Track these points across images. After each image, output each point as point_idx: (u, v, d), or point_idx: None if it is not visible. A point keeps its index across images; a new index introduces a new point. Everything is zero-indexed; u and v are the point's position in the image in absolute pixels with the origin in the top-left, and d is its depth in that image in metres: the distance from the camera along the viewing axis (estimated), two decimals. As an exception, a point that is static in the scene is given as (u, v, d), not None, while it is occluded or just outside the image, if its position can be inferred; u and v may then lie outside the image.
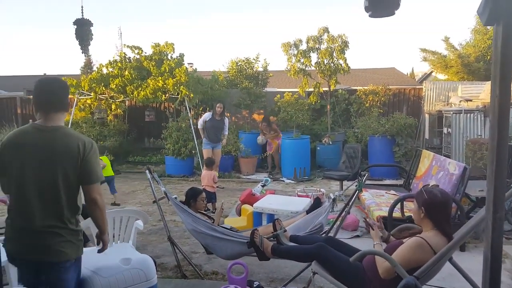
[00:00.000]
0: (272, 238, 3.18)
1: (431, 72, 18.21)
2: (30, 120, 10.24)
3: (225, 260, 3.70)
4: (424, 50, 14.55)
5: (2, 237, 3.13)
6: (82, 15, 2.92)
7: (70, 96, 10.62)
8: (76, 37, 2.93)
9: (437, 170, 4.89)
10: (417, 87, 11.08)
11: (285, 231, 3.23)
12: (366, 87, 10.27)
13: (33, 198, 2.08)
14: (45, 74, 25.62)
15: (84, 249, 3.65)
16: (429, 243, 2.26)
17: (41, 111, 2.16)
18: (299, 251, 2.89)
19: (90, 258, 2.78)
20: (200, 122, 8.12)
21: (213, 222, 4.00)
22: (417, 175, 5.61)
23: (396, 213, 4.25)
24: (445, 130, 8.61)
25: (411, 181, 5.84)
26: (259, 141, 9.40)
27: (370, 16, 2.31)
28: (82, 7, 2.90)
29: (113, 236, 3.37)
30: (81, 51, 2.94)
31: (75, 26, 2.92)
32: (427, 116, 9.80)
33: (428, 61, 14.99)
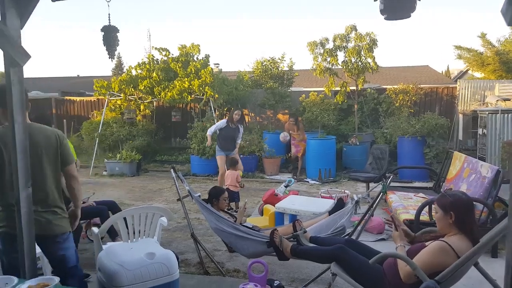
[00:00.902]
0: (292, 239, 3.15)
1: (468, 70, 17.55)
2: (65, 120, 10.54)
3: (246, 258, 3.72)
4: (458, 47, 14.02)
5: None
6: (109, 22, 3.03)
7: (101, 97, 11.00)
8: (103, 43, 3.05)
9: (468, 173, 4.70)
10: (451, 86, 10.71)
11: (305, 232, 3.19)
12: (396, 86, 10.02)
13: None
14: (78, 75, 26.63)
15: (112, 243, 3.77)
16: (453, 247, 2.17)
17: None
18: (318, 252, 2.86)
19: (117, 252, 2.87)
20: (212, 129, 7.37)
21: (235, 221, 4.02)
22: (448, 177, 5.41)
23: (424, 217, 4.12)
24: (480, 131, 8.27)
25: (441, 183, 5.65)
26: (282, 138, 8.90)
27: (385, 19, 2.29)
28: (109, 14, 3.03)
29: (139, 232, 3.44)
30: (108, 56, 3.05)
31: (103, 33, 3.03)
32: (461, 116, 9.44)
33: (463, 59, 14.42)
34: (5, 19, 2.30)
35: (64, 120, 12.02)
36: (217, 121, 9.92)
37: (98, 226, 3.97)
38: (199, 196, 4.31)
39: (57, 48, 65.13)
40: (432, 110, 9.55)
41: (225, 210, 4.43)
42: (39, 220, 2.47)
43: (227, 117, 7.67)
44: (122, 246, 3.07)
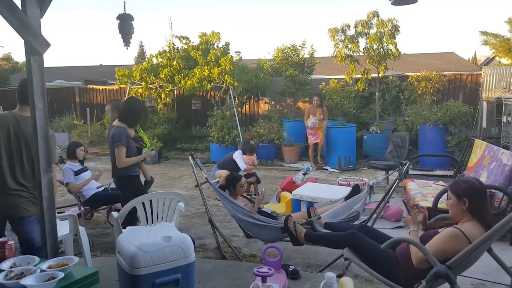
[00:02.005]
0: (306, 225, 3.17)
1: (494, 56, 16.93)
2: (88, 109, 10.82)
3: (263, 244, 3.78)
4: (484, 33, 13.53)
5: (62, 214, 3.44)
6: (125, 10, 3.06)
7: (123, 86, 11.20)
8: (119, 31, 3.09)
9: (489, 161, 4.58)
10: (475, 72, 10.35)
11: (319, 218, 3.21)
12: (419, 73, 9.77)
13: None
14: (101, 64, 27.12)
15: (131, 227, 3.88)
16: (465, 234, 2.15)
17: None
18: (332, 238, 2.87)
19: (136, 235, 2.96)
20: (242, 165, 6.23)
21: (253, 206, 4.07)
22: (468, 165, 5.30)
23: (442, 204, 4.05)
24: (504, 118, 8.00)
25: (462, 171, 5.52)
26: (311, 124, 8.30)
27: (392, 4, 2.26)
28: (124, 2, 3.05)
29: (157, 216, 3.53)
30: (123, 43, 3.10)
31: (118, 21, 3.07)
32: (485, 103, 9.14)
33: (489, 45, 13.92)
34: (25, 9, 2.38)
35: (87, 109, 12.32)
36: (237, 109, 9.95)
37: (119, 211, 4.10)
38: (217, 182, 4.39)
39: (81, 37, 66.44)
40: (456, 98, 9.28)
41: (244, 195, 4.49)
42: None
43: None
44: (140, 229, 3.15)
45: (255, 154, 6.48)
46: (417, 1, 2.21)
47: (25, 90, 2.49)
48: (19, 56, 38.11)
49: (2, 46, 37.87)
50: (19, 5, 2.35)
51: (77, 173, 4.76)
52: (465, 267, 2.17)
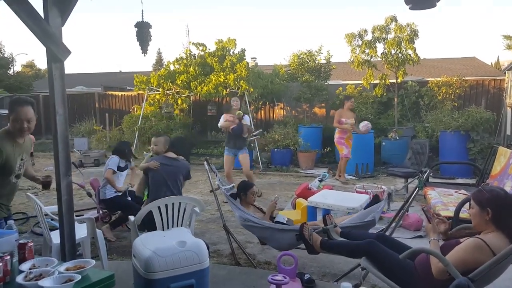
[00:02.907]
0: (322, 233, 3.13)
1: (518, 61, 16.50)
2: (107, 114, 11.03)
3: (278, 251, 3.74)
4: (508, 37, 13.23)
5: (80, 217, 3.50)
6: (142, 18, 3.12)
7: (141, 92, 11.37)
8: (137, 38, 3.14)
9: (513, 169, 4.45)
10: (498, 78, 10.10)
11: (335, 226, 3.16)
12: (439, 79, 9.60)
13: None
14: (120, 71, 27.65)
15: (147, 232, 3.91)
16: (489, 245, 2.07)
17: None
18: (349, 246, 2.82)
19: (151, 240, 2.99)
20: (221, 121, 6.87)
21: (264, 215, 4.05)
22: (491, 174, 5.15)
23: (464, 214, 3.94)
24: (529, 125, 7.78)
25: (485, 180, 5.37)
26: (365, 128, 7.70)
27: (410, 8, 2.25)
28: (142, 11, 3.11)
29: (172, 221, 3.55)
30: (141, 51, 3.15)
31: (136, 29, 3.12)
32: (509, 109, 8.89)
33: (512, 49, 13.61)
34: (47, 18, 2.44)
35: (106, 114, 12.54)
36: (253, 115, 9.99)
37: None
38: (233, 186, 4.38)
39: (101, 44, 67.93)
40: (478, 104, 9.08)
41: (254, 204, 4.46)
42: None
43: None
44: (156, 234, 3.18)
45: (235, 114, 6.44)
46: (435, 6, 2.17)
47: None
48: (42, 63, 39.21)
49: (26, 54, 39.13)
50: (41, 14, 2.42)
51: (120, 168, 4.85)
52: (489, 280, 2.09)
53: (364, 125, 7.68)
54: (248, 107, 9.59)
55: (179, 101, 10.62)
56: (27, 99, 2.69)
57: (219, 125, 6.68)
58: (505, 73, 9.73)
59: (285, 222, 4.01)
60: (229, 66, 9.54)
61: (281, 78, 10.64)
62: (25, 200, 5.74)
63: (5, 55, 24.12)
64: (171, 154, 3.99)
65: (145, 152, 9.57)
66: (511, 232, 2.12)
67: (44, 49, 2.50)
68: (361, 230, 3.32)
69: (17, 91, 17.68)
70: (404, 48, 8.87)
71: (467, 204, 3.91)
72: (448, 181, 7.15)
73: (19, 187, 2.97)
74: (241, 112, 6.44)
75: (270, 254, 4.11)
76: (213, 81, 9.43)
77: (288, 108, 11.06)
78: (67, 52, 2.54)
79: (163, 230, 3.35)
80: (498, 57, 26.34)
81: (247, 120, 6.55)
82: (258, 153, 9.12)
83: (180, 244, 2.88)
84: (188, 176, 4.07)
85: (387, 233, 3.34)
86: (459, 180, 7.34)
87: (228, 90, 9.56)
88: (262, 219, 3.86)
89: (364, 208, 3.87)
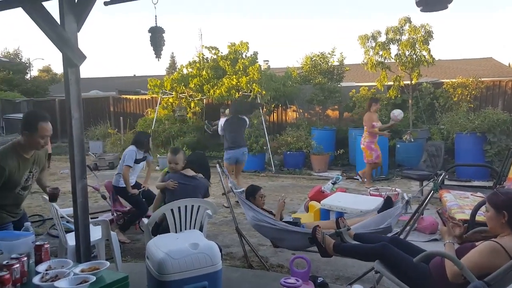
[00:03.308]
0: (335, 236, 3.11)
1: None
2: (121, 118, 11.18)
3: (290, 250, 3.73)
4: (525, 37, 12.94)
5: (95, 219, 3.55)
6: (156, 23, 3.15)
7: (154, 96, 11.50)
8: (150, 43, 3.17)
9: (531, 171, 4.34)
10: (515, 78, 9.91)
11: (348, 229, 3.13)
12: (454, 80, 9.46)
13: None
14: (134, 75, 28.03)
15: (160, 235, 3.94)
16: (505, 248, 2.03)
17: None
18: (362, 250, 2.79)
19: (164, 242, 3.01)
20: (219, 129, 6.96)
21: (274, 217, 4.04)
22: (509, 176, 5.04)
23: (480, 217, 3.86)
24: (548, 126, 7.58)
25: (502, 183, 5.25)
26: (398, 116, 7.39)
27: (421, 10, 2.27)
28: (155, 16, 3.14)
29: (185, 223, 3.57)
30: (155, 55, 3.18)
31: (150, 34, 3.17)
32: (527, 111, 8.70)
33: (531, 50, 13.31)
34: (63, 24, 2.49)
35: (121, 118, 12.70)
36: (265, 117, 9.98)
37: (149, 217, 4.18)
38: (243, 191, 4.39)
39: (115, 49, 68.97)
40: (494, 105, 8.89)
41: (263, 208, 4.45)
42: None
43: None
44: (169, 236, 3.20)
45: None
46: (447, 7, 2.16)
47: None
48: (58, 67, 39.95)
49: (42, 59, 39.91)
50: (57, 20, 2.47)
51: (137, 161, 4.91)
52: (505, 284, 2.05)
53: (399, 113, 7.37)
54: (261, 109, 9.60)
55: (192, 104, 10.71)
56: (47, 115, 2.73)
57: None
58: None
59: (292, 221, 4.01)
60: (241, 69, 9.57)
61: (293, 80, 10.63)
62: (41, 202, 5.85)
63: (22, 60, 24.65)
64: (190, 172, 3.87)
65: (158, 155, 9.68)
66: None
67: (60, 54, 2.55)
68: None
69: (34, 95, 18.05)
70: (419, 49, 8.76)
71: (484, 207, 3.84)
72: (464, 183, 7.03)
73: (27, 195, 3.00)
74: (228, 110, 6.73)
75: (283, 257, 4.10)
76: (226, 84, 9.47)
77: (301, 110, 11.03)
78: (83, 57, 2.59)
79: (176, 232, 3.36)
80: (516, 57, 25.82)
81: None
82: (271, 155, 9.12)
83: (193, 246, 2.90)
84: (206, 194, 3.98)
85: (402, 236, 3.30)
86: (476, 183, 7.20)
87: (240, 93, 9.59)
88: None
89: (378, 212, 3.82)
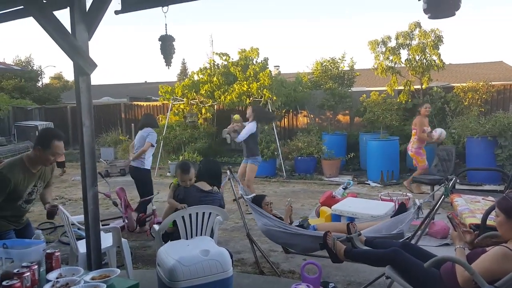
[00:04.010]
0: (346, 241, 3.09)
1: (549, 64, 15.91)
2: (133, 124, 11.31)
3: (301, 256, 3.71)
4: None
5: (106, 226, 3.57)
6: (166, 32, 3.18)
7: (165, 102, 11.59)
8: (161, 51, 3.20)
9: (545, 175, 4.26)
10: (527, 81, 9.77)
11: (359, 234, 3.12)
12: (464, 84, 9.37)
13: None
14: (146, 82, 28.33)
15: (171, 242, 3.96)
16: None
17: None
18: (373, 255, 2.78)
19: (175, 249, 3.02)
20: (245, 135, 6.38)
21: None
22: (521, 180, 4.95)
23: (491, 221, 3.80)
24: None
25: (514, 187, 5.17)
26: (437, 136, 6.97)
27: (429, 18, 2.30)
28: (166, 24, 3.17)
29: (196, 230, 3.58)
30: (165, 63, 3.21)
31: (160, 42, 3.20)
32: (539, 114, 8.56)
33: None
34: (74, 33, 2.54)
35: (132, 124, 12.83)
36: (276, 123, 9.97)
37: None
38: (253, 196, 4.39)
39: (127, 55, 69.91)
40: (506, 109, 8.77)
41: (273, 214, 4.45)
42: None
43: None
44: (180, 243, 3.21)
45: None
46: (454, 14, 2.18)
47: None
48: (69, 74, 40.52)
49: (54, 66, 40.37)
50: (68, 29, 2.52)
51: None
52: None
53: (440, 132, 6.98)
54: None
55: (203, 111, 10.77)
56: (63, 134, 2.77)
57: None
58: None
59: (300, 222, 4.00)
60: (252, 75, 9.61)
61: (304, 86, 10.63)
62: (54, 209, 5.92)
63: (34, 68, 25.05)
64: (206, 186, 3.68)
65: (169, 161, 9.74)
66: None
67: (71, 61, 2.60)
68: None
69: (46, 103, 18.27)
70: (429, 54, 8.73)
71: (494, 211, 3.78)
72: (475, 187, 6.95)
73: (29, 210, 3.03)
74: (237, 115, 6.61)
75: (294, 262, 4.09)
76: (237, 90, 9.52)
77: (312, 115, 11.01)
78: (94, 66, 2.64)
79: (186, 239, 3.38)
80: (528, 60, 25.44)
81: (248, 127, 6.31)
82: (282, 161, 9.11)
83: (204, 253, 2.91)
84: (222, 207, 3.78)
85: (413, 241, 3.27)
86: (487, 187, 7.12)
87: (251, 98, 9.62)
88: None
89: (391, 216, 3.79)
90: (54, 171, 3.12)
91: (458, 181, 6.07)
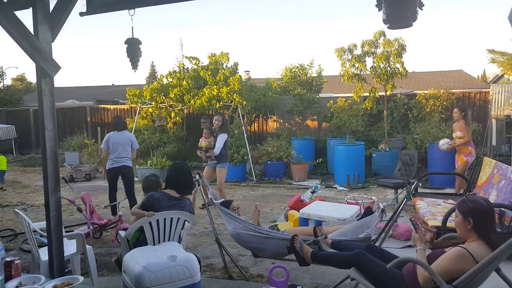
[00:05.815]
0: (313, 244, 3.15)
1: (503, 74, 16.89)
2: (99, 128, 11.04)
3: (269, 260, 3.74)
4: (492, 51, 13.53)
5: (70, 233, 3.47)
6: (132, 35, 3.15)
7: (133, 105, 11.39)
8: (127, 54, 3.17)
9: (498, 179, 4.53)
10: (484, 90, 10.33)
11: (326, 237, 3.19)
12: (426, 91, 9.79)
13: None
14: (113, 84, 27.64)
15: (137, 248, 3.89)
16: (472, 253, 2.13)
17: None
18: (338, 258, 2.85)
19: (141, 255, 2.97)
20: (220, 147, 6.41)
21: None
22: (478, 183, 5.22)
23: (451, 223, 3.98)
24: (514, 136, 7.92)
25: (472, 190, 5.45)
26: (445, 146, 6.72)
27: (388, 27, 2.40)
28: (132, 27, 3.15)
29: (164, 235, 3.53)
30: (131, 67, 3.17)
31: (126, 45, 3.17)
32: (494, 121, 9.08)
33: (497, 63, 13.91)
34: (37, 33, 2.47)
35: (98, 128, 12.50)
36: (246, 128, 10.00)
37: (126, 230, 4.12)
38: (222, 201, 4.39)
39: (93, 58, 68.06)
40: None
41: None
42: None
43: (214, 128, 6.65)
44: (146, 249, 3.17)
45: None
46: (412, 25, 2.32)
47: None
48: (33, 76, 39.02)
49: (16, 67, 38.88)
50: (31, 29, 2.44)
51: None
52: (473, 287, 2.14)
53: (445, 142, 6.73)
54: (242, 120, 9.64)
55: (173, 114, 10.63)
56: None
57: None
58: (490, 85, 9.95)
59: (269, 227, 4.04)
60: (222, 80, 9.61)
61: (274, 91, 10.74)
62: (13, 216, 5.68)
63: (-5, 69, 23.96)
64: (174, 193, 3.58)
65: (137, 166, 9.55)
66: (491, 241, 2.19)
67: (33, 64, 2.52)
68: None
69: (7, 105, 17.54)
70: (393, 62, 9.03)
71: (453, 213, 3.97)
72: (436, 191, 7.24)
73: None
74: (204, 143, 6.71)
75: (263, 266, 4.11)
76: (207, 94, 9.49)
77: (281, 120, 11.14)
78: (57, 68, 2.57)
79: (154, 244, 3.33)
80: (484, 70, 26.89)
81: (221, 138, 6.36)
82: (252, 165, 9.15)
83: (171, 259, 2.88)
84: (191, 213, 3.69)
85: (377, 244, 3.37)
86: (447, 190, 7.43)
87: (221, 103, 9.62)
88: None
89: (358, 219, 3.90)
90: None
91: (420, 184, 6.29)
